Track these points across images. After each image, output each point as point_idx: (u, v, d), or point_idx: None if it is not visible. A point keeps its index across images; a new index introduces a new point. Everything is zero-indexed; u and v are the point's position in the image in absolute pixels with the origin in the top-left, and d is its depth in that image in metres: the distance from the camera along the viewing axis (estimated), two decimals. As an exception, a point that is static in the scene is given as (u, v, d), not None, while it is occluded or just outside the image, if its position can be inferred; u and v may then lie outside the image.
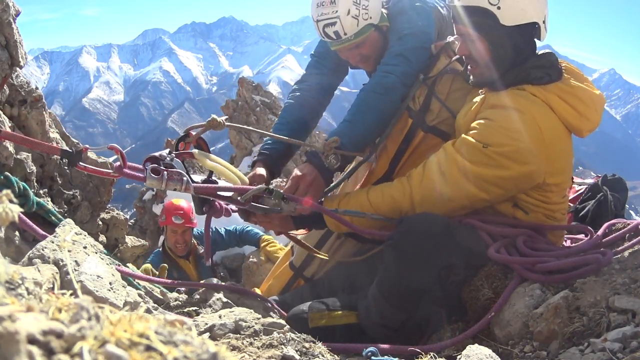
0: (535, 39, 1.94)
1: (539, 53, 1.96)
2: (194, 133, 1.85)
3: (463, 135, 1.89)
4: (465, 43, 1.96)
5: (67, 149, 1.64)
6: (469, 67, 2.04)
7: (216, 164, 1.76)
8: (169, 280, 1.86)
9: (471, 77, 2.03)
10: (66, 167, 1.93)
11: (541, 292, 1.58)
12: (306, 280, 2.43)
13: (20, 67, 1.75)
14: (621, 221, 2.01)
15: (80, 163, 1.57)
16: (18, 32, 1.72)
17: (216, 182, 1.85)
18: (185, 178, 1.64)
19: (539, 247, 1.82)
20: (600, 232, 1.90)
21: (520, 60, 1.92)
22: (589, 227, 2.03)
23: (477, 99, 2.00)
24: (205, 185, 1.77)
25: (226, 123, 1.86)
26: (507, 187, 1.85)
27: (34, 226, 1.47)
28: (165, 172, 1.62)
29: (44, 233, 1.46)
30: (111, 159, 2.29)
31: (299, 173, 2.03)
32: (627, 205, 2.70)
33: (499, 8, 1.83)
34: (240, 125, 2.30)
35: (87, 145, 1.67)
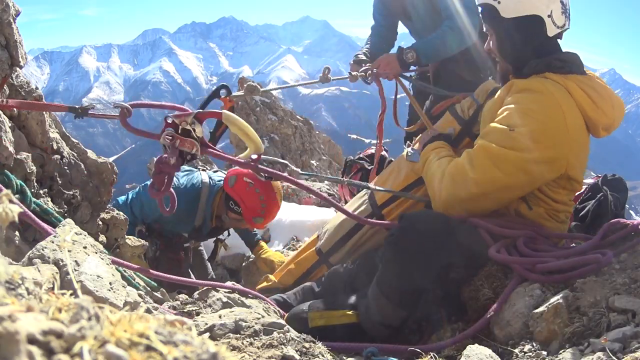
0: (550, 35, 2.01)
1: (564, 51, 2.05)
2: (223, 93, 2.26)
3: (490, 124, 1.96)
4: (488, 40, 2.08)
5: (74, 106, 1.74)
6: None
7: (239, 130, 1.80)
8: (169, 275, 1.85)
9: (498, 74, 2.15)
10: (66, 168, 1.93)
11: (541, 292, 1.58)
12: (329, 266, 2.50)
13: (20, 67, 1.75)
14: (621, 221, 2.01)
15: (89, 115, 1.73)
16: (18, 32, 1.72)
17: None
18: (195, 148, 1.71)
19: (539, 247, 1.82)
20: (600, 232, 1.90)
21: (542, 54, 2.00)
22: (589, 236, 2.04)
23: (502, 87, 2.08)
24: (216, 150, 1.83)
25: (262, 89, 2.27)
26: (532, 172, 1.87)
27: (39, 222, 1.48)
28: (178, 141, 1.69)
29: (48, 228, 1.47)
30: (112, 159, 2.28)
31: (383, 57, 3.04)
32: (627, 205, 2.70)
33: (499, 2, 1.93)
34: (279, 86, 2.86)
35: (93, 104, 1.75)
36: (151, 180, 1.82)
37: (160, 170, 1.77)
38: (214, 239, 3.52)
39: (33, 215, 1.47)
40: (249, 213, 2.91)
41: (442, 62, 3.23)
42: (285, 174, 2.01)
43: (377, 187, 2.41)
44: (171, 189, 1.85)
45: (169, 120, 1.71)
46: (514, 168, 1.84)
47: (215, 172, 3.33)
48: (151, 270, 1.79)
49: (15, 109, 1.74)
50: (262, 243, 3.61)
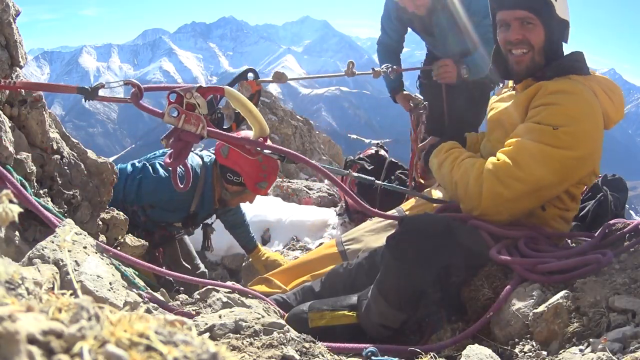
0: (563, 41, 2.08)
1: (569, 52, 2.09)
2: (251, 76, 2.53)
3: (525, 124, 1.95)
4: (523, 27, 2.01)
5: (83, 86, 1.71)
6: (515, 57, 2.08)
7: (242, 106, 1.76)
8: (169, 271, 1.84)
9: (516, 66, 2.08)
10: (66, 168, 1.94)
11: (541, 292, 1.58)
12: None
13: (20, 67, 1.75)
14: (621, 221, 2.01)
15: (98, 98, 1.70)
16: (18, 32, 1.72)
17: None
18: (201, 124, 1.68)
19: (540, 247, 1.82)
20: (600, 232, 1.90)
21: (552, 55, 2.04)
22: (590, 234, 2.05)
23: (526, 89, 2.06)
24: (221, 132, 1.80)
25: (289, 77, 2.60)
26: (572, 169, 1.89)
27: (43, 210, 1.48)
28: (184, 115, 1.66)
29: (51, 217, 1.47)
30: (112, 159, 2.28)
31: (449, 62, 3.24)
32: (627, 205, 2.70)
33: (556, 0, 1.96)
34: (304, 76, 3.51)
35: (104, 82, 1.72)
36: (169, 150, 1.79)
37: (179, 137, 1.72)
38: (201, 226, 3.29)
39: (37, 204, 1.48)
40: (250, 180, 2.70)
41: None
42: (299, 154, 1.98)
43: (384, 184, 2.38)
44: (186, 162, 1.82)
45: (172, 99, 1.67)
46: (558, 165, 1.85)
47: (201, 150, 3.08)
48: (156, 267, 1.78)
49: (14, 108, 1.74)
50: (260, 246, 3.52)
